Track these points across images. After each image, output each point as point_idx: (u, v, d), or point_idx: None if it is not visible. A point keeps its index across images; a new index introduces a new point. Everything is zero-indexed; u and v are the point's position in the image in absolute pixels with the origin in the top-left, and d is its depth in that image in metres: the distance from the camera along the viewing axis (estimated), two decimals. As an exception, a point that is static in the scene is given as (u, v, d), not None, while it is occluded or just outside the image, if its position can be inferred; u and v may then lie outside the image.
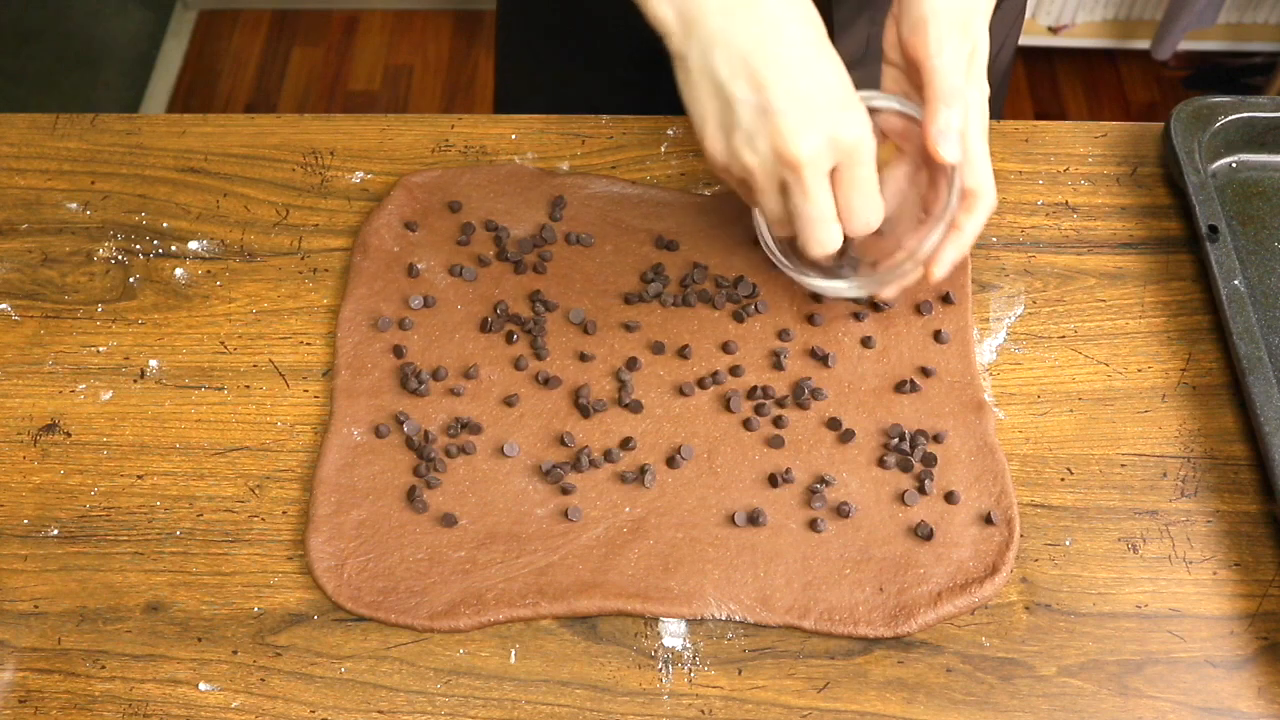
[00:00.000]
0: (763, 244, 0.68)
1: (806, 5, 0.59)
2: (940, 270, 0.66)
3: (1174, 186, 0.77)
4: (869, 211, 0.62)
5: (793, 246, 0.67)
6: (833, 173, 0.60)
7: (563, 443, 0.66)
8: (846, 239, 0.64)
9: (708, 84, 0.59)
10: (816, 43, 0.59)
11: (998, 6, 0.87)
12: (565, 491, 0.64)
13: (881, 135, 0.66)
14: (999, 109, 0.98)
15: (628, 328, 0.70)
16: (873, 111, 0.63)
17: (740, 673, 0.60)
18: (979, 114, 0.63)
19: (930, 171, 0.66)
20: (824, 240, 0.62)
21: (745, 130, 0.59)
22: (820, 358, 0.69)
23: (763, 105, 0.58)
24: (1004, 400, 0.68)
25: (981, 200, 0.64)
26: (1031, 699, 0.59)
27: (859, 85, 0.62)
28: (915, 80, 0.63)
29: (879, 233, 0.65)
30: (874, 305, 0.71)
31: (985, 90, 0.64)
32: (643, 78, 0.87)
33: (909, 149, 0.66)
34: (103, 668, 0.60)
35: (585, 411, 0.67)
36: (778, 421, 0.66)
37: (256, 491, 0.65)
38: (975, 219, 0.65)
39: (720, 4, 0.58)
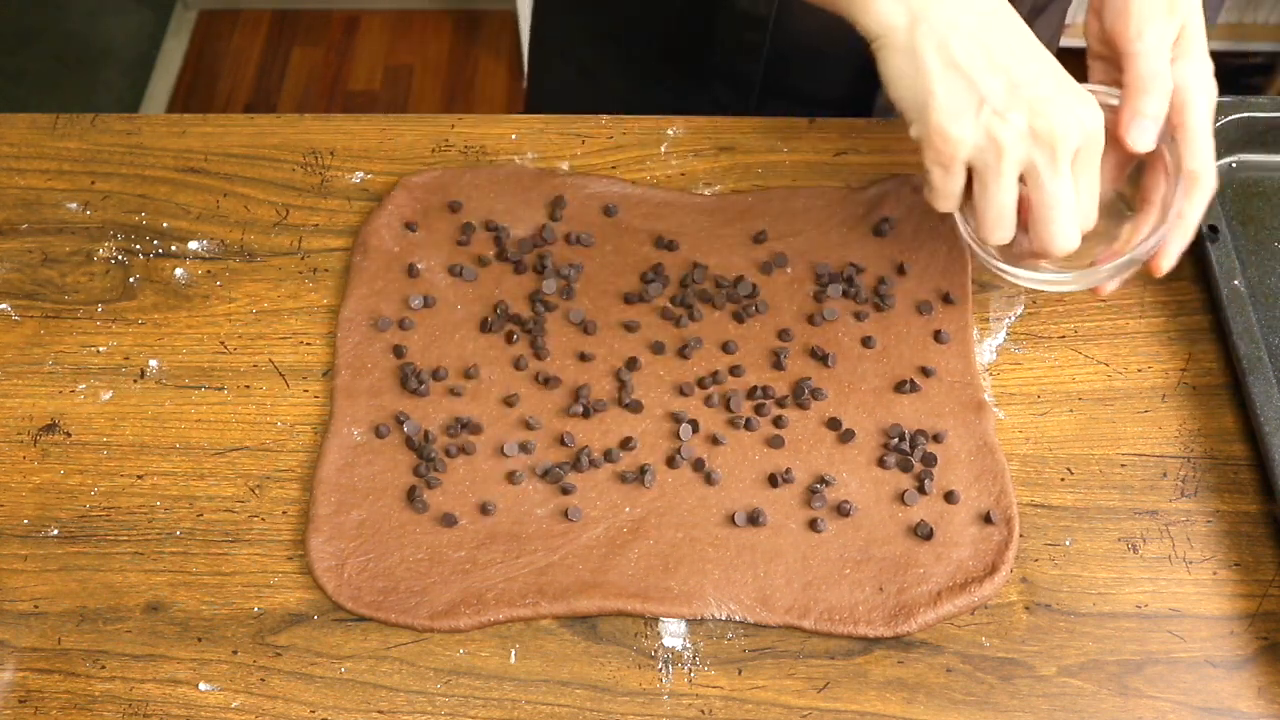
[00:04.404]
0: (968, 240, 0.67)
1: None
2: (1168, 263, 0.64)
3: (1174, 186, 0.77)
4: (1095, 202, 0.61)
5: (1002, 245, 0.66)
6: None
7: (563, 443, 0.66)
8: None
9: (943, 67, 0.59)
10: (1029, 31, 0.61)
11: (1043, 12, 0.87)
12: (565, 491, 0.64)
13: None
14: None
15: (628, 328, 0.70)
16: None
17: (740, 673, 0.59)
18: (1199, 94, 0.62)
19: (1148, 160, 0.65)
20: (1064, 229, 0.60)
21: (995, 106, 0.59)
22: (820, 358, 0.69)
23: (1013, 82, 0.58)
24: (1004, 400, 0.68)
25: (1201, 183, 0.63)
26: (1031, 699, 0.59)
27: None
28: (1121, 69, 0.63)
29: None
30: (875, 305, 0.71)
31: (1205, 66, 0.63)
32: (676, 76, 0.88)
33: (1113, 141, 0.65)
34: (103, 668, 0.60)
35: (585, 411, 0.67)
36: (778, 421, 0.66)
37: (256, 491, 0.65)
38: (1196, 204, 0.63)
39: None
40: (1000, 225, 0.62)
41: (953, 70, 0.59)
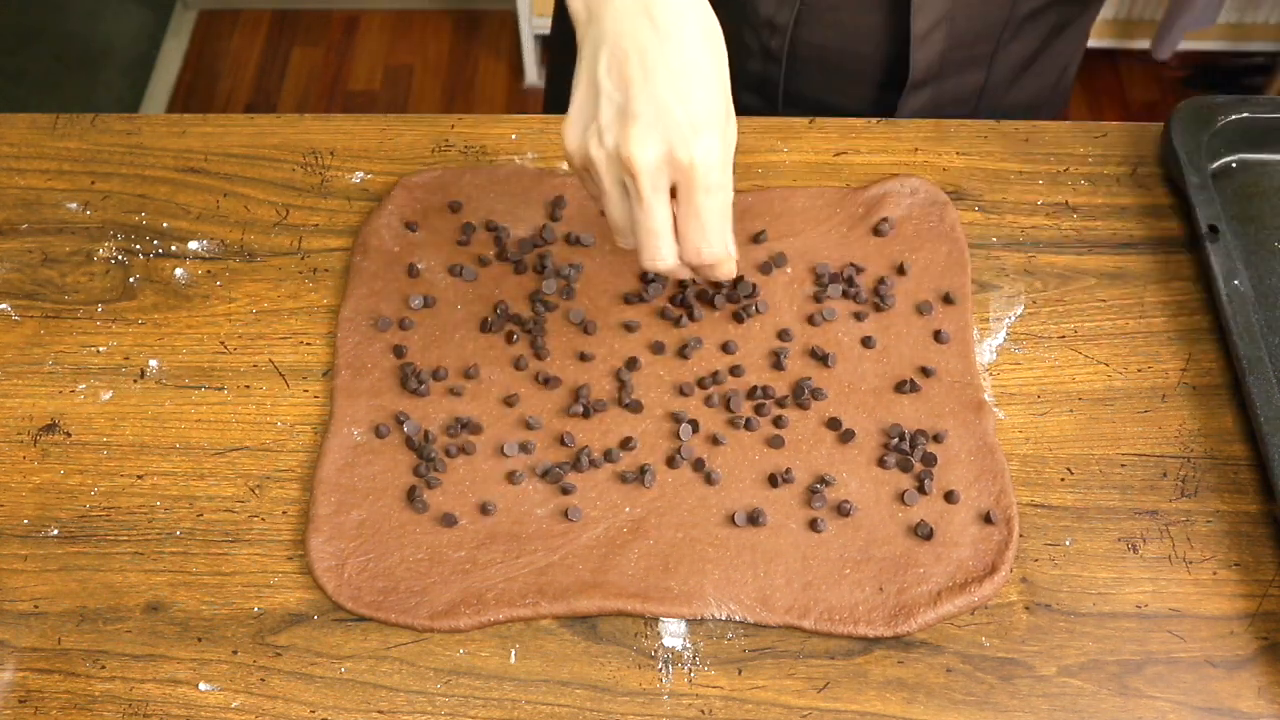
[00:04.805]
0: None
1: (710, 24, 0.59)
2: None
3: (1174, 186, 0.77)
4: (701, 239, 0.60)
5: None
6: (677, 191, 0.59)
7: (563, 443, 0.66)
8: None
9: (587, 76, 0.59)
10: (706, 61, 0.58)
11: (1066, 28, 0.86)
12: (565, 491, 0.64)
13: None
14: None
15: (627, 328, 0.70)
16: None
17: (740, 673, 0.59)
18: None
19: None
20: (654, 255, 0.60)
21: (600, 125, 0.58)
22: (820, 358, 0.69)
23: (623, 106, 0.57)
24: (1004, 400, 0.68)
25: None
26: (1031, 699, 0.59)
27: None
28: None
29: None
30: (875, 305, 0.71)
31: None
32: None
33: None
34: (103, 668, 0.60)
35: (585, 411, 0.67)
36: (778, 421, 0.66)
37: (256, 491, 0.65)
38: None
39: (623, 5, 0.58)
40: (621, 236, 0.62)
41: (591, 80, 0.58)
